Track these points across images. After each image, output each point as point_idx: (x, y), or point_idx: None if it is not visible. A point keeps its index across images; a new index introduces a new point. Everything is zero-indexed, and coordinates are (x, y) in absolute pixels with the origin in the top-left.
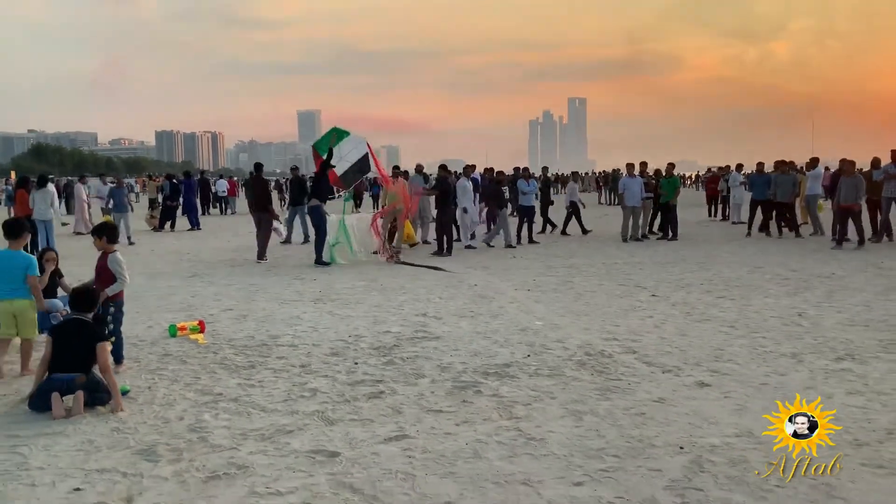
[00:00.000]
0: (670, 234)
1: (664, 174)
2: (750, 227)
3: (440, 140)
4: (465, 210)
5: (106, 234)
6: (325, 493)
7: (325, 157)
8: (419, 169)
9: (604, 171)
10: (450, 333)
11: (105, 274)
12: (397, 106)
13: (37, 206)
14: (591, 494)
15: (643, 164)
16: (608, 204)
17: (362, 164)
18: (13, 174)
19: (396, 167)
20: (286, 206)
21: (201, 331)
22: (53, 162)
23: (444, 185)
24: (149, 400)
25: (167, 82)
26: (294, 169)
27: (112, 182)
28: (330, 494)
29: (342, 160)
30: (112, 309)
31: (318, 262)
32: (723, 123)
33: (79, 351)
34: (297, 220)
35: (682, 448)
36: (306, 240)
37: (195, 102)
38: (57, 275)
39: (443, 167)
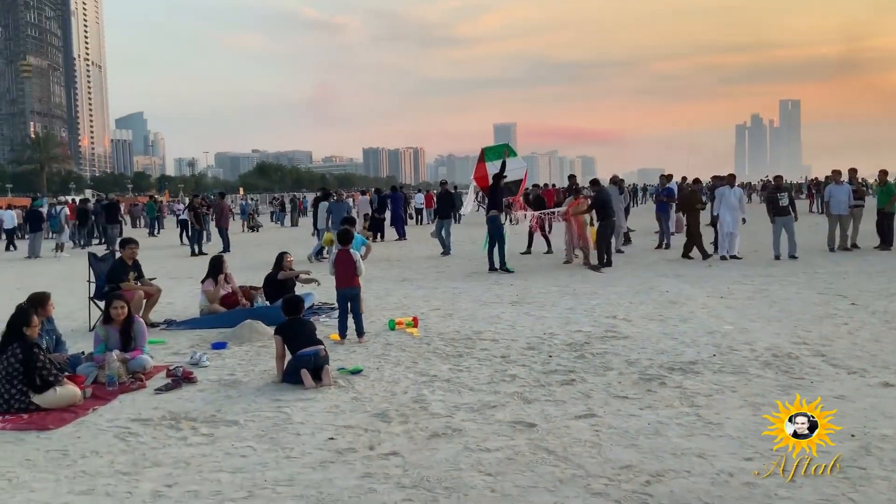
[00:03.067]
0: (882, 243)
1: (877, 182)
2: None
3: (638, 149)
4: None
5: (341, 237)
6: (525, 452)
7: (497, 167)
8: (614, 180)
9: (815, 178)
10: (638, 334)
11: (343, 265)
12: (593, 116)
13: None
14: (758, 466)
15: (852, 171)
16: (819, 212)
17: (513, 187)
18: (241, 190)
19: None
20: (433, 219)
21: (415, 325)
22: (275, 179)
23: (599, 199)
24: (378, 378)
25: (372, 102)
26: (443, 183)
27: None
28: (528, 454)
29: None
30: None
31: (503, 267)
32: None
33: (309, 331)
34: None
35: (853, 436)
36: (446, 252)
37: (398, 120)
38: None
39: (594, 182)
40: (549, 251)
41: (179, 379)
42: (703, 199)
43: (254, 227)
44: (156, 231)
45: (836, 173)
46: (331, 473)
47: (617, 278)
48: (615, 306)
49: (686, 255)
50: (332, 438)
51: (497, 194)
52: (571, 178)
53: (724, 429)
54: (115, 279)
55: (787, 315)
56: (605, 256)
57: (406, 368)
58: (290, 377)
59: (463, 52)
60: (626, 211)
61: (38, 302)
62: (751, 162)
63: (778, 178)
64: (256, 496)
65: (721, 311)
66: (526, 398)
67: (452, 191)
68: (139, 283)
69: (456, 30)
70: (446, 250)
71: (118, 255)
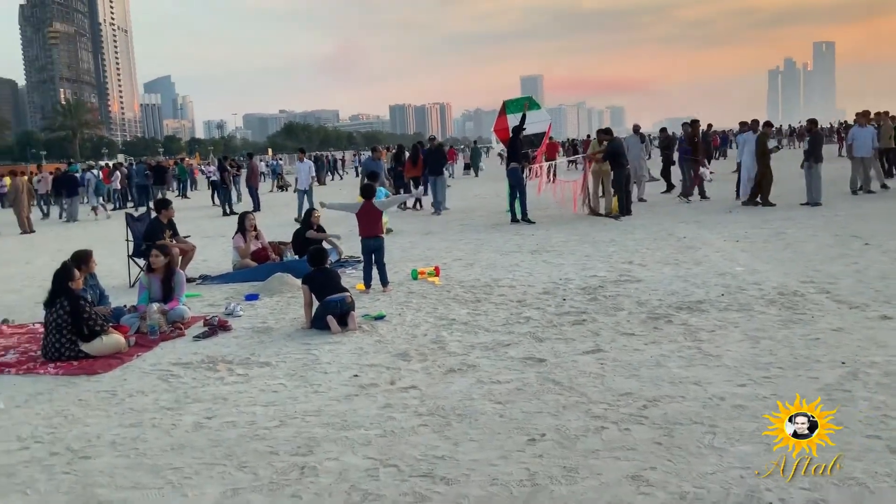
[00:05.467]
0: None
1: None
2: None
3: (666, 97)
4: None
5: (363, 192)
6: (533, 383)
7: (518, 119)
8: (636, 129)
9: (844, 122)
10: (651, 277)
11: (369, 216)
12: (621, 65)
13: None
14: (750, 392)
15: (884, 114)
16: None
17: (535, 140)
18: (270, 151)
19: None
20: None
21: (437, 275)
22: (302, 139)
23: (611, 148)
24: (400, 322)
25: (397, 59)
26: (432, 139)
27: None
28: (537, 385)
29: (527, 127)
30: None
31: (525, 218)
32: None
33: (334, 280)
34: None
35: (843, 363)
36: (437, 211)
37: (423, 76)
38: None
39: (607, 131)
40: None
41: (215, 327)
42: (777, 145)
43: (283, 187)
44: (187, 193)
45: (863, 115)
46: (355, 405)
47: (636, 226)
48: (632, 252)
49: (766, 202)
50: (356, 375)
51: (517, 147)
52: (600, 131)
53: (722, 360)
54: (152, 238)
55: (800, 256)
56: (625, 205)
57: (427, 314)
58: (317, 323)
59: (489, 4)
60: (669, 160)
61: (82, 258)
62: (784, 107)
63: (812, 121)
64: (287, 425)
65: (735, 255)
66: (538, 337)
67: (439, 146)
68: (174, 241)
69: None
70: (437, 209)
71: (154, 215)
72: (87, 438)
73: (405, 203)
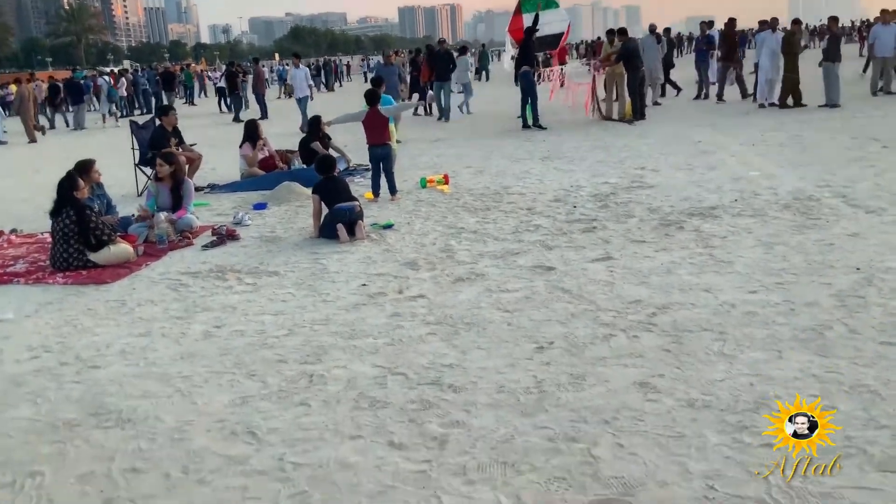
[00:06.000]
0: None
1: None
2: None
3: None
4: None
5: (368, 97)
6: (542, 291)
7: (531, 21)
8: (652, 29)
9: (867, 20)
10: (664, 183)
11: (374, 122)
12: None
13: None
14: (762, 299)
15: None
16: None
17: (553, 41)
18: (277, 56)
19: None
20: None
21: (446, 182)
22: (309, 43)
23: (626, 49)
24: (409, 231)
25: None
26: (441, 41)
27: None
28: (545, 293)
29: (541, 27)
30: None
31: (536, 124)
32: None
33: (344, 189)
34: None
35: (858, 269)
36: (444, 117)
37: None
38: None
39: (622, 31)
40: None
41: (224, 236)
42: (806, 44)
43: (291, 93)
44: (194, 100)
45: (886, 13)
46: (363, 314)
47: (650, 131)
48: (645, 158)
49: (798, 102)
50: (364, 285)
51: (529, 49)
52: (610, 32)
53: (734, 266)
54: (157, 146)
55: (817, 159)
56: (639, 108)
57: (435, 222)
58: (326, 232)
59: None
60: (670, 63)
61: (83, 168)
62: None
63: (833, 19)
64: (296, 333)
65: (750, 159)
66: (547, 245)
67: (447, 51)
68: (180, 149)
69: None
70: (445, 115)
71: (158, 122)
72: (97, 347)
73: (418, 108)
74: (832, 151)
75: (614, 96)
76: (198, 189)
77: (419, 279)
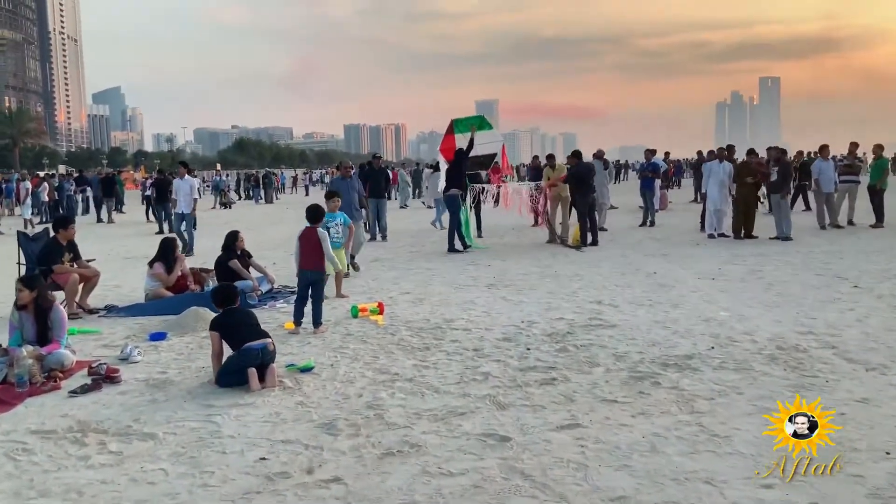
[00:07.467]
0: (876, 220)
1: (873, 156)
2: None
3: (620, 125)
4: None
5: (309, 214)
6: (496, 476)
7: (466, 143)
8: (598, 154)
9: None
10: (626, 322)
11: (311, 243)
12: (576, 92)
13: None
14: (782, 499)
15: (853, 145)
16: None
17: (486, 161)
18: (219, 166)
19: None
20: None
21: (380, 312)
22: (253, 154)
23: (577, 173)
24: (331, 376)
25: (354, 78)
26: (376, 157)
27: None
28: (500, 479)
29: (475, 148)
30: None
31: (452, 249)
32: None
33: (251, 322)
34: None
35: (888, 453)
36: (377, 237)
37: (380, 96)
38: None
39: (576, 153)
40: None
41: (101, 379)
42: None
43: (226, 204)
44: (121, 207)
45: (826, 148)
46: None
47: (601, 259)
48: (600, 290)
49: (749, 234)
50: (263, 458)
51: (460, 171)
52: (550, 157)
53: (733, 443)
54: (48, 261)
55: (787, 299)
56: (591, 235)
57: (365, 364)
58: (228, 378)
59: (449, 26)
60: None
61: None
62: (731, 139)
63: (781, 150)
64: None
65: (714, 295)
66: (499, 402)
67: (383, 167)
68: (75, 265)
69: (441, 5)
70: (382, 234)
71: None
72: None
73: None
74: (800, 290)
75: (559, 218)
76: (93, 311)
77: (336, 451)
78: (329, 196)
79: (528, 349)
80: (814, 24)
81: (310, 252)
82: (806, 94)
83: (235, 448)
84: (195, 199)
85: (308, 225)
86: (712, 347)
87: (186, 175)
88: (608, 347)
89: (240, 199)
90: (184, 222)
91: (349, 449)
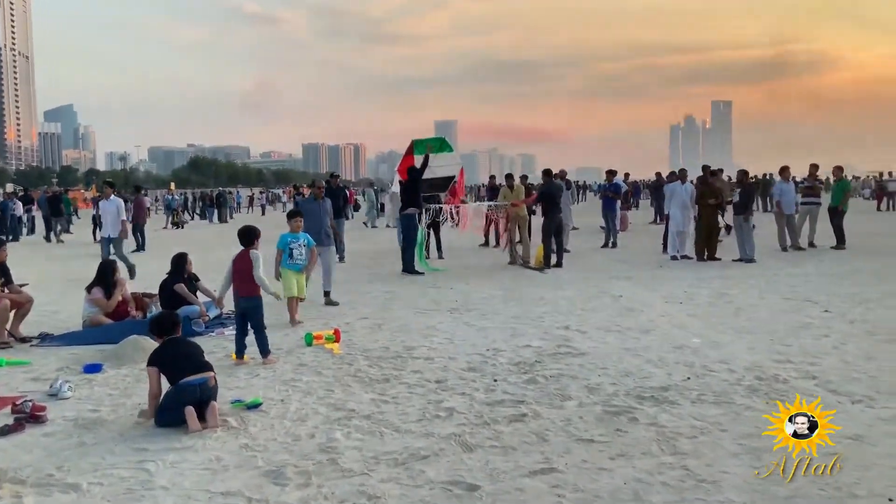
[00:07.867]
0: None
1: (833, 178)
2: None
3: (577, 147)
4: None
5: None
6: None
7: (420, 160)
8: (562, 175)
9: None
10: (596, 349)
11: (243, 267)
12: (535, 114)
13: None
14: None
15: (813, 167)
16: (762, 211)
17: (442, 183)
18: (172, 185)
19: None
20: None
21: (336, 340)
22: (209, 174)
23: (547, 192)
24: (281, 414)
25: (313, 98)
26: (333, 176)
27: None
28: None
29: (429, 169)
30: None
31: (406, 270)
32: (884, 126)
33: (192, 354)
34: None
35: (891, 500)
36: (340, 258)
37: (339, 116)
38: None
39: (547, 172)
40: (486, 244)
41: (24, 418)
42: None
43: (178, 224)
44: (69, 228)
45: (787, 170)
46: None
47: (565, 281)
48: (566, 315)
49: (712, 256)
50: None
51: (415, 191)
52: (508, 176)
53: (723, 490)
54: None
55: (758, 324)
56: (556, 257)
57: (318, 399)
58: (165, 416)
59: (409, 49)
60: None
61: None
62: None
63: (744, 172)
64: None
65: (684, 320)
66: (466, 443)
67: (340, 186)
68: (6, 290)
69: (401, 26)
70: (338, 256)
71: None
72: None
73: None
74: (770, 314)
75: (517, 238)
76: (24, 340)
77: None
78: (291, 216)
79: (496, 380)
80: (766, 49)
81: (240, 277)
82: (757, 117)
83: (167, 502)
84: (123, 221)
85: (242, 248)
86: (688, 378)
87: (112, 195)
88: (579, 378)
89: (192, 219)
90: (111, 246)
91: (297, 502)
